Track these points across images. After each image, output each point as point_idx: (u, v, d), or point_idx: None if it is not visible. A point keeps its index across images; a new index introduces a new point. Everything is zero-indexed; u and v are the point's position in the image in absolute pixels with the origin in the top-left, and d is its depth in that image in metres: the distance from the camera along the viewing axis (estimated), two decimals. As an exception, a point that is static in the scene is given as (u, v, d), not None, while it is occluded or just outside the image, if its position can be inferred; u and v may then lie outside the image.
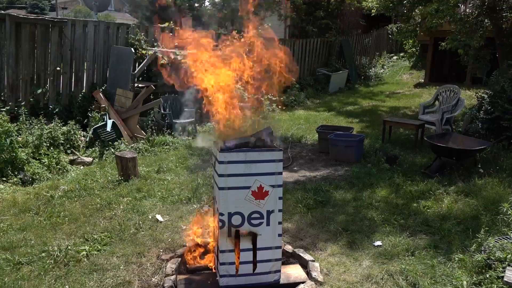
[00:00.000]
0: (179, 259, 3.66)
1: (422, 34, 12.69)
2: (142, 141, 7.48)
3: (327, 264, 3.72)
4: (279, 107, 10.00)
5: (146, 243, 4.02)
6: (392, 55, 19.70)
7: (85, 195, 5.23)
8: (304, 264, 3.63)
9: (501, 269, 3.27)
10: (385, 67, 18.01)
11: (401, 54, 18.91)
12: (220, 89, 3.26)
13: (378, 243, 4.07)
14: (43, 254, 3.78)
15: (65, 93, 8.14)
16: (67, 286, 3.35)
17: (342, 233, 4.28)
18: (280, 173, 3.12)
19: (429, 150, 6.46)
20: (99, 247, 3.94)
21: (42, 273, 3.51)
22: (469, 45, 8.59)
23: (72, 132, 7.00)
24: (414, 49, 16.59)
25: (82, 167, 6.43)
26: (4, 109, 6.53)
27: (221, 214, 3.07)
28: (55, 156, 6.29)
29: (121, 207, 4.86)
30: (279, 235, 3.22)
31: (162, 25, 9.79)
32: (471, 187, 5.28)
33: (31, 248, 3.89)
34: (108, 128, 7.21)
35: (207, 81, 3.25)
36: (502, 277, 3.17)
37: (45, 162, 6.12)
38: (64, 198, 5.10)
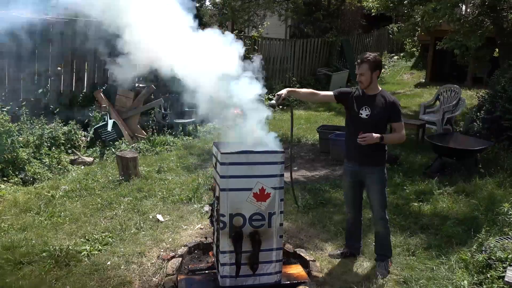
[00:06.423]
0: (180, 259, 3.67)
1: (423, 34, 12.65)
2: (142, 141, 7.48)
3: (328, 264, 3.72)
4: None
5: (146, 243, 4.03)
6: (393, 55, 19.65)
7: (86, 195, 5.23)
8: (305, 264, 3.63)
9: (501, 269, 3.27)
10: (386, 67, 17.96)
11: (402, 54, 18.87)
12: None
13: (378, 243, 4.06)
14: (44, 254, 3.78)
15: (66, 93, 8.13)
16: (68, 286, 3.35)
17: (342, 233, 4.28)
18: (282, 175, 3.11)
19: (430, 150, 6.45)
20: (100, 247, 3.94)
21: (43, 273, 3.51)
22: (466, 45, 8.55)
23: (73, 132, 6.99)
24: (414, 49, 16.56)
25: (83, 167, 6.43)
26: (5, 109, 6.52)
27: (222, 215, 3.07)
28: (56, 156, 6.29)
29: (122, 207, 4.86)
30: (280, 236, 3.22)
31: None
32: (471, 187, 5.28)
33: (32, 248, 3.89)
34: (109, 128, 7.21)
35: None
36: (503, 277, 3.17)
37: (46, 162, 6.12)
38: (65, 198, 5.11)
